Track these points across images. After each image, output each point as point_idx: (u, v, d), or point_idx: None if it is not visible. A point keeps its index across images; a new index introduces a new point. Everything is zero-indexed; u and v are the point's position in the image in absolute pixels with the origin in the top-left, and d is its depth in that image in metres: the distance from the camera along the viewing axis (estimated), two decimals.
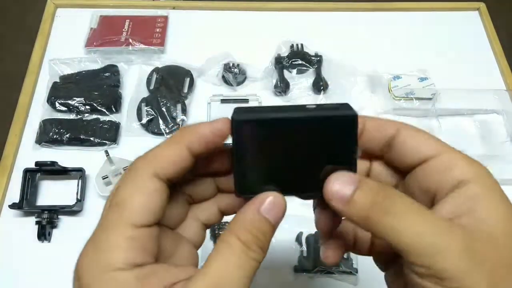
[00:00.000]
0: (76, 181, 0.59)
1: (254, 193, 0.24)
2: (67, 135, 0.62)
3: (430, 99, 0.69)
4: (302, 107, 0.24)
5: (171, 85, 0.68)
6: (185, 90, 0.69)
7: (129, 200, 0.22)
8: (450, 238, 0.21)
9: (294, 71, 0.72)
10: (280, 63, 0.72)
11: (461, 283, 0.21)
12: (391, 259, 0.29)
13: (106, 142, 0.63)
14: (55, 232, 0.57)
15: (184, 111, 0.67)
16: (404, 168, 0.26)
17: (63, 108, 0.65)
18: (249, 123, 0.24)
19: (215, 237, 0.56)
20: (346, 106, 0.25)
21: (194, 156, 0.24)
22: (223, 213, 0.29)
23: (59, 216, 0.57)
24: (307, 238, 0.56)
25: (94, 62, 0.71)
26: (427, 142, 0.25)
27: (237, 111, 0.25)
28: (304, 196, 0.26)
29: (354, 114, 0.23)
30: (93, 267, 0.21)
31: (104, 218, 0.23)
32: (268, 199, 0.23)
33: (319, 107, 0.24)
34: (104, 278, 0.21)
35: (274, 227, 0.24)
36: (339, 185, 0.23)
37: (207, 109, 0.67)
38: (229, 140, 0.25)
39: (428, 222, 0.22)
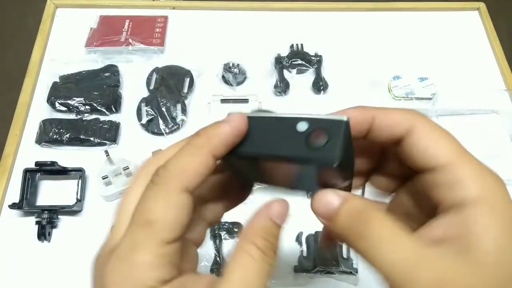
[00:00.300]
0: (76, 181, 0.59)
1: None
2: (67, 135, 0.62)
3: (430, 99, 0.69)
4: (292, 126, 0.23)
5: (171, 85, 0.68)
6: (185, 90, 0.69)
7: (160, 218, 0.22)
8: (426, 270, 0.20)
9: (294, 71, 0.72)
10: (280, 63, 0.72)
11: None
12: None
13: (106, 142, 0.63)
14: (55, 232, 0.57)
15: (184, 111, 0.67)
16: (413, 167, 0.24)
17: (63, 108, 0.65)
18: (236, 159, 0.24)
19: (215, 237, 0.56)
20: (338, 129, 0.22)
21: (217, 160, 0.24)
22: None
23: (59, 216, 0.57)
24: (307, 238, 0.56)
25: (94, 62, 0.71)
26: (440, 147, 0.23)
27: None
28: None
29: (339, 162, 0.21)
30: (123, 282, 0.21)
31: (134, 235, 0.22)
32: (275, 204, 0.24)
33: (308, 130, 0.22)
34: None
35: (281, 229, 0.25)
36: (323, 204, 0.24)
37: (207, 109, 0.67)
38: None
39: (406, 251, 0.20)
